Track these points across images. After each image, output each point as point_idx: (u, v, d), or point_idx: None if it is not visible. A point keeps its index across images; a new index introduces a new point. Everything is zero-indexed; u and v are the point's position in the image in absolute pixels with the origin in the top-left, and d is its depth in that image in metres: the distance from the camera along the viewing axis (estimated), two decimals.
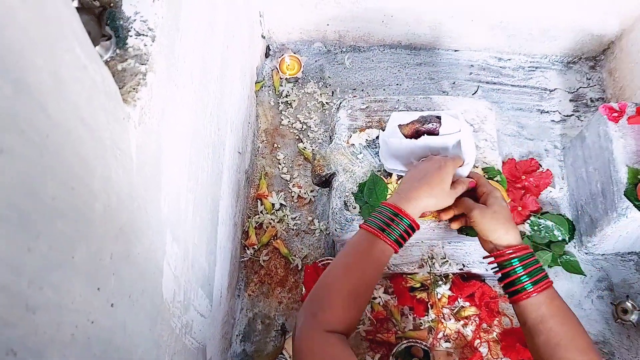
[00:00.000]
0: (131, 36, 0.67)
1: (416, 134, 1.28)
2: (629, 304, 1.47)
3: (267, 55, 1.83)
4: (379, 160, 1.37)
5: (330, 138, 1.50)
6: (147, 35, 0.68)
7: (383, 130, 1.36)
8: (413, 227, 0.95)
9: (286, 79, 1.77)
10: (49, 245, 0.42)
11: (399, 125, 1.31)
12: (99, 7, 0.65)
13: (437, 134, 1.26)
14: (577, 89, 1.78)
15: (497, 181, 1.34)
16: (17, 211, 0.37)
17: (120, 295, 0.60)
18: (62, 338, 0.45)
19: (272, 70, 1.80)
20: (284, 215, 1.62)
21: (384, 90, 1.79)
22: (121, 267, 0.59)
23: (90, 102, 0.51)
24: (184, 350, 0.93)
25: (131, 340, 0.63)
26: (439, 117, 1.27)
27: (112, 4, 0.69)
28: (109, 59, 0.65)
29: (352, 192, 1.40)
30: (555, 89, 1.78)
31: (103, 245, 0.54)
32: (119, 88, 0.64)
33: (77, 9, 0.60)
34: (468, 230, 1.34)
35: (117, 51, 0.67)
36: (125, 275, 0.61)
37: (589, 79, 1.79)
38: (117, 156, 0.58)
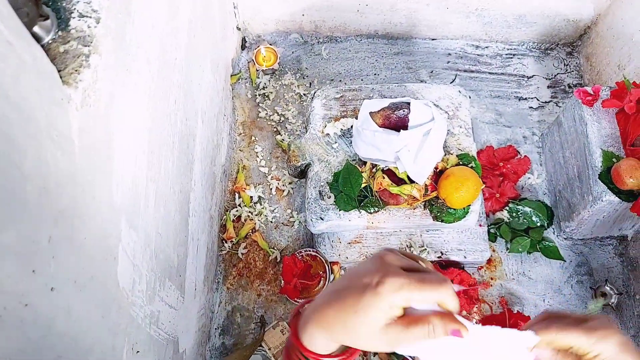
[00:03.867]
0: (74, 17, 0.66)
1: (387, 121, 1.28)
2: (608, 288, 1.46)
3: (243, 47, 1.81)
4: (354, 150, 1.37)
5: (306, 128, 1.50)
6: (90, 17, 0.67)
7: (357, 119, 1.36)
8: None
9: (263, 70, 1.76)
10: None
11: (371, 113, 1.30)
12: None
13: (408, 120, 1.25)
14: (555, 75, 1.78)
15: (471, 167, 1.34)
16: None
17: (63, 280, 0.58)
18: None
19: (248, 62, 1.79)
20: (263, 208, 1.61)
21: (362, 80, 1.79)
22: (62, 251, 0.58)
23: (18, 80, 0.50)
24: (149, 340, 0.92)
25: (78, 326, 0.62)
26: (409, 104, 1.26)
27: None
28: (50, 41, 0.64)
29: (327, 182, 1.39)
30: (532, 76, 1.78)
31: (39, 228, 0.53)
32: (61, 70, 0.63)
33: None
34: (443, 217, 1.34)
35: (60, 33, 0.65)
36: (69, 260, 0.60)
37: (567, 65, 1.79)
38: (55, 138, 0.57)
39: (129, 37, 0.78)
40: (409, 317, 0.52)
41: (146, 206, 0.89)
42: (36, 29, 0.62)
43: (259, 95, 1.76)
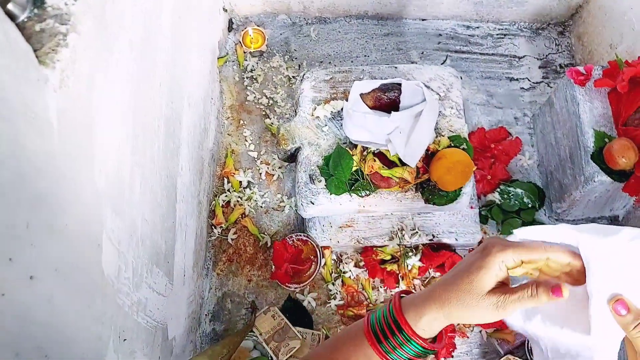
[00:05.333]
0: None
1: (378, 102, 1.25)
2: None
3: (230, 29, 1.78)
4: (344, 132, 1.34)
5: (295, 111, 1.47)
6: None
7: (347, 101, 1.33)
8: (425, 350, 0.62)
9: (250, 52, 1.73)
10: None
11: (361, 95, 1.28)
12: None
13: (399, 102, 1.23)
14: (546, 55, 1.76)
15: (463, 149, 1.32)
16: None
17: (43, 268, 0.56)
18: None
19: (235, 45, 1.76)
20: (252, 193, 1.59)
21: (352, 62, 1.76)
22: (42, 238, 0.56)
23: None
24: (137, 327, 0.90)
25: (60, 316, 0.60)
26: (400, 85, 1.24)
27: None
28: (25, 19, 0.61)
29: (317, 166, 1.37)
30: (524, 56, 1.76)
31: (14, 213, 0.51)
32: (37, 49, 0.60)
33: None
34: (435, 199, 1.33)
35: (36, 11, 0.62)
36: (49, 247, 0.58)
37: (558, 45, 1.77)
38: (31, 120, 0.54)
39: (109, 16, 0.75)
40: (512, 287, 0.58)
41: (131, 192, 0.86)
42: (10, 6, 0.59)
43: (247, 78, 1.72)
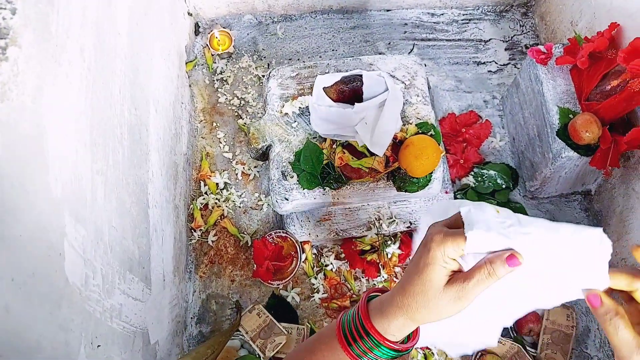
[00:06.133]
0: None
1: (341, 95, 1.27)
2: None
3: (196, 33, 1.78)
4: (313, 127, 1.36)
5: (264, 109, 1.48)
6: (5, 8, 0.64)
7: (312, 96, 1.34)
8: (398, 352, 0.62)
9: (218, 55, 1.74)
10: None
11: (324, 88, 1.29)
12: None
13: (362, 93, 1.24)
14: (512, 37, 1.78)
15: (431, 135, 1.33)
16: None
17: None
18: None
19: (203, 48, 1.76)
20: (230, 194, 1.60)
21: (320, 57, 1.77)
22: None
23: None
24: (112, 333, 0.91)
25: (19, 324, 0.61)
26: (362, 76, 1.26)
27: None
28: None
29: (289, 162, 1.38)
30: (490, 40, 1.77)
31: None
32: None
33: None
34: (406, 187, 1.34)
35: None
36: (3, 257, 0.59)
37: (522, 26, 1.79)
38: None
39: (54, 27, 0.76)
40: (466, 272, 0.57)
41: (94, 199, 0.87)
42: None
43: (217, 80, 1.73)
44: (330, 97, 1.27)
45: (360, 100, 1.24)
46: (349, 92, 1.25)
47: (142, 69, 1.20)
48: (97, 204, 0.88)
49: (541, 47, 1.41)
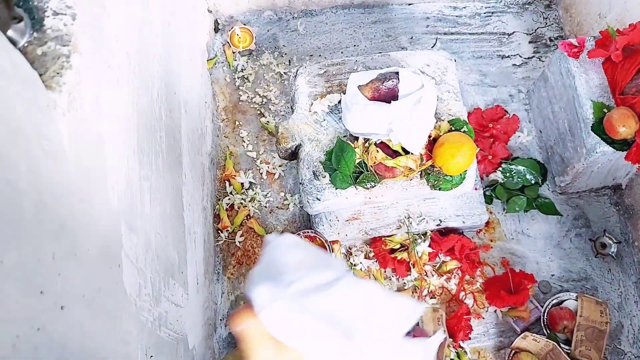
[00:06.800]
0: (48, 16, 0.61)
1: (377, 93, 1.25)
2: (607, 238, 1.47)
3: (216, 30, 1.75)
4: (344, 125, 1.33)
5: (292, 108, 1.46)
6: (66, 14, 0.62)
7: (344, 94, 1.32)
8: None
9: (239, 52, 1.71)
10: None
11: (359, 87, 1.27)
12: None
13: (397, 90, 1.22)
14: (535, 30, 1.76)
15: (464, 132, 1.32)
16: None
17: (72, 296, 0.55)
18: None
19: (223, 45, 1.74)
20: (255, 194, 1.58)
21: (342, 52, 1.74)
22: (68, 267, 0.55)
23: (1, 92, 0.46)
24: (160, 343, 0.89)
25: (91, 341, 0.59)
26: (397, 73, 1.23)
27: None
28: (26, 44, 0.60)
29: (320, 161, 1.36)
30: (513, 33, 1.75)
31: (41, 246, 0.50)
32: (42, 74, 0.58)
33: None
34: (440, 185, 1.33)
35: (35, 34, 0.61)
36: (75, 275, 0.57)
37: (546, 18, 1.77)
38: (45, 148, 0.53)
39: (107, 31, 0.74)
40: None
41: (142, 206, 0.85)
42: (10, 32, 0.57)
43: (238, 78, 1.71)
44: (365, 95, 1.25)
45: (396, 98, 1.22)
46: (385, 90, 1.23)
47: (174, 70, 1.18)
48: (145, 211, 0.86)
49: (572, 41, 1.39)
